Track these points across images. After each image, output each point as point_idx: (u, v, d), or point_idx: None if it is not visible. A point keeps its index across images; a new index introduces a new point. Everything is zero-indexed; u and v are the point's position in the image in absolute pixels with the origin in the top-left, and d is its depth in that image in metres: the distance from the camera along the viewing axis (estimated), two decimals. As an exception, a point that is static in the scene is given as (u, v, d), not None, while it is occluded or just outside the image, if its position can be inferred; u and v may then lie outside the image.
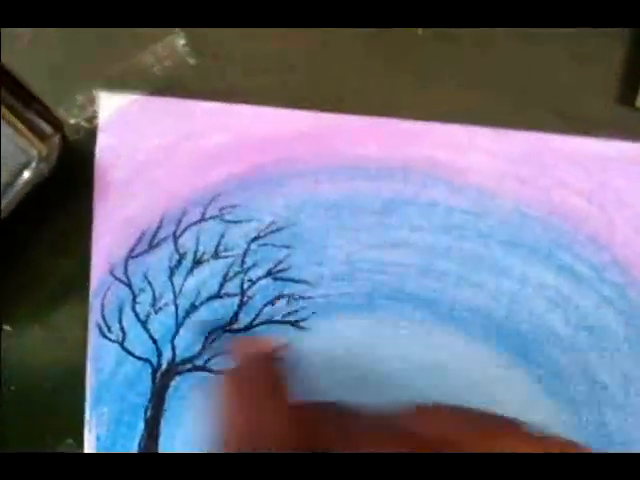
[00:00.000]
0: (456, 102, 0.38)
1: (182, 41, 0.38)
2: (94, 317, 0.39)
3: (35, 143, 0.35)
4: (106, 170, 0.38)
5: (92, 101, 0.38)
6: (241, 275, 0.38)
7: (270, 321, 0.39)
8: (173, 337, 0.39)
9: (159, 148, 0.38)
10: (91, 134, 0.38)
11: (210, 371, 0.39)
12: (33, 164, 0.35)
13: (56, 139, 0.37)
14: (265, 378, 0.32)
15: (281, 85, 0.38)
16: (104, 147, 0.38)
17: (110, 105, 0.38)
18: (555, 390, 0.39)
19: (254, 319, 0.39)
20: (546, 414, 0.39)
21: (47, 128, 0.37)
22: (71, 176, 0.38)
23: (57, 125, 0.37)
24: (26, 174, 0.35)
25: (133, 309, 0.38)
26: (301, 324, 0.39)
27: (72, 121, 0.38)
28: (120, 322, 0.39)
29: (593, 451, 0.39)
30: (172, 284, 0.38)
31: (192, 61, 0.38)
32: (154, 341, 0.39)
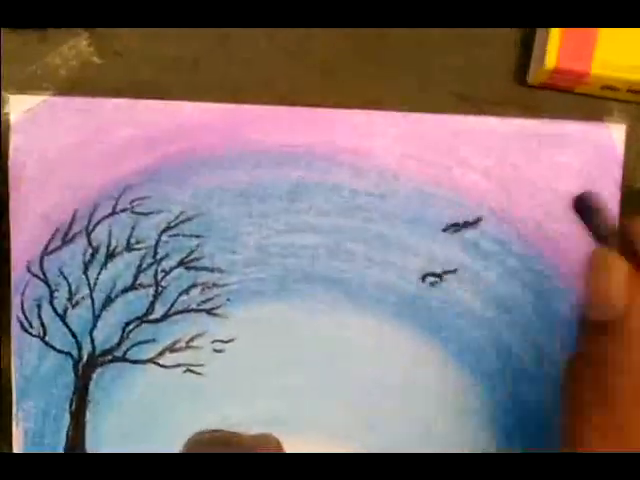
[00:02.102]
0: (355, 88, 0.40)
1: (86, 42, 0.39)
2: (15, 313, 0.39)
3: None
4: (19, 169, 0.39)
5: (2, 103, 0.39)
6: (154, 266, 0.39)
7: (186, 310, 0.40)
8: (92, 330, 0.40)
9: (69, 146, 0.39)
10: (3, 135, 0.39)
11: (129, 361, 0.40)
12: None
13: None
14: None
15: (185, 80, 0.39)
16: (16, 147, 0.39)
17: (20, 106, 0.39)
18: (470, 365, 0.40)
19: (170, 308, 0.40)
20: (462, 389, 0.40)
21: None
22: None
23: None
24: None
25: (51, 304, 0.39)
26: (216, 311, 0.40)
27: (-17, 123, 0.39)
28: (40, 317, 0.39)
29: (510, 425, 0.40)
30: (87, 278, 0.39)
31: (97, 60, 0.39)
32: (73, 335, 0.40)
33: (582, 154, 0.39)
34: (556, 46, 0.37)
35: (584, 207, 0.32)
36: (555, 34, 0.37)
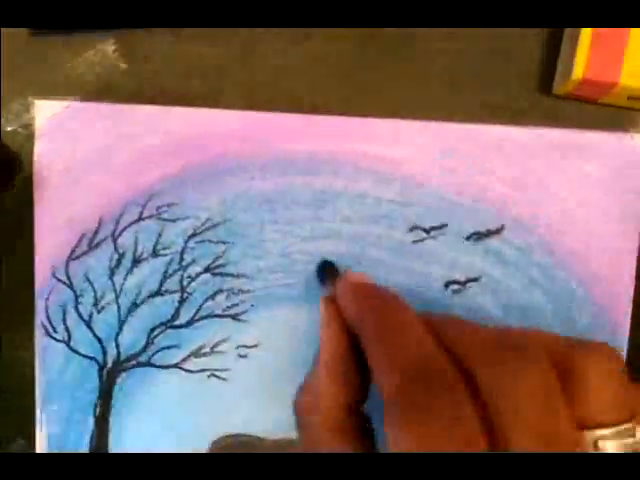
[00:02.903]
0: (382, 96, 0.40)
1: (112, 47, 0.39)
2: (39, 318, 0.40)
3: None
4: (44, 175, 0.39)
5: (28, 108, 0.39)
6: (180, 272, 0.40)
7: (211, 315, 0.40)
8: (117, 335, 0.40)
9: (94, 152, 0.39)
10: (28, 141, 0.39)
11: (154, 366, 0.40)
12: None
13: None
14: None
15: (212, 87, 0.39)
16: (41, 153, 0.39)
17: (45, 112, 0.39)
18: (490, 370, 0.41)
19: (195, 314, 0.40)
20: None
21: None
22: (11, 183, 0.39)
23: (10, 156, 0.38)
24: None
25: (76, 309, 0.40)
26: (241, 317, 0.40)
27: (8, 128, 0.39)
28: (64, 322, 0.40)
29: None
30: (113, 283, 0.39)
31: (123, 66, 0.39)
32: (99, 340, 0.40)
33: (607, 165, 0.40)
34: (584, 57, 0.37)
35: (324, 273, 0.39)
36: (583, 45, 0.37)
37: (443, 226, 0.40)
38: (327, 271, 0.38)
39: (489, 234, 0.40)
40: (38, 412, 0.40)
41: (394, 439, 0.25)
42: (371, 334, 0.29)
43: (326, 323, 0.32)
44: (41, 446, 0.40)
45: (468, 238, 0.40)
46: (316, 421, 0.30)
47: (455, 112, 0.40)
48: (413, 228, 0.40)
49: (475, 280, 0.40)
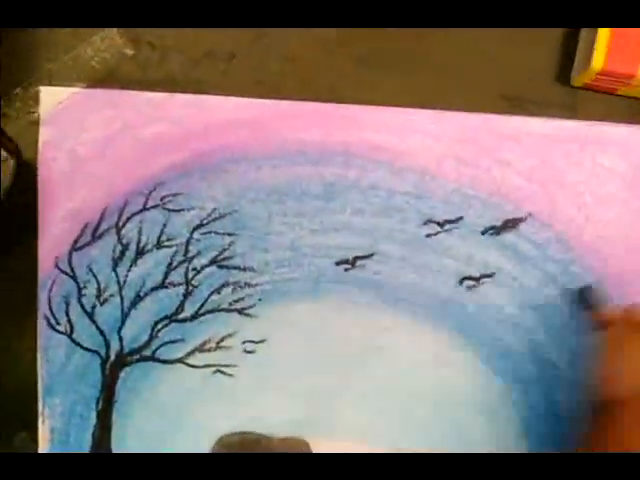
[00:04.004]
0: (396, 86, 0.39)
1: (118, 33, 0.38)
2: (42, 310, 0.39)
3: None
4: (49, 163, 0.38)
5: (33, 95, 0.38)
6: (185, 264, 0.39)
7: (216, 309, 0.39)
8: (120, 328, 0.39)
9: (100, 140, 0.38)
10: (33, 128, 0.38)
11: (158, 361, 0.39)
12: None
13: (11, 163, 0.37)
14: None
15: (219, 74, 0.38)
16: (46, 141, 0.38)
17: (51, 99, 0.38)
18: (504, 370, 0.39)
19: (200, 308, 0.39)
20: (497, 394, 0.39)
21: (2, 153, 0.37)
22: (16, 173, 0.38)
23: (11, 149, 0.37)
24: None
25: (79, 301, 0.39)
26: (248, 311, 0.39)
27: (14, 115, 0.38)
28: (67, 314, 0.39)
29: (543, 428, 0.39)
30: (116, 275, 0.38)
31: (130, 52, 0.38)
32: (101, 332, 0.39)
33: (626, 158, 0.38)
34: (604, 48, 0.36)
35: (586, 298, 0.38)
36: (603, 36, 0.36)
37: (458, 220, 0.39)
38: (591, 296, 0.38)
39: (505, 228, 0.39)
40: (40, 405, 0.39)
41: None
42: None
43: None
44: (43, 439, 0.39)
45: (484, 232, 0.39)
46: None
47: (472, 102, 0.38)
48: (427, 221, 0.39)
49: (490, 276, 0.39)
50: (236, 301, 0.39)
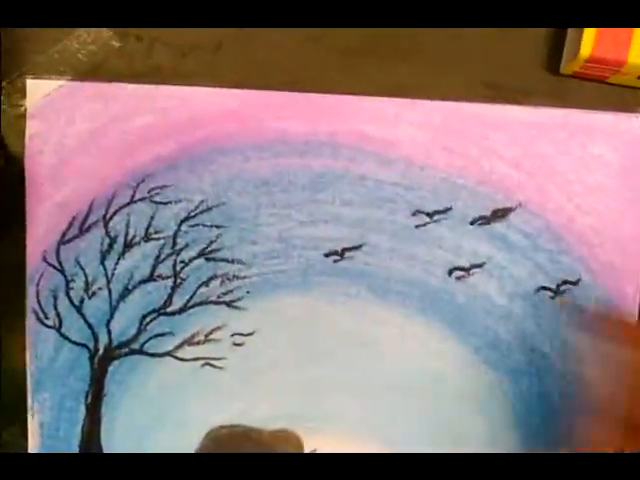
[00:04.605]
0: (383, 76, 0.38)
1: (105, 24, 0.38)
2: (30, 304, 0.39)
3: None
4: (36, 157, 0.38)
5: (20, 88, 0.38)
6: (173, 257, 0.38)
7: (205, 302, 0.39)
8: (108, 322, 0.39)
9: (87, 132, 0.38)
10: (20, 121, 0.38)
11: (147, 354, 0.39)
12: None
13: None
14: None
15: (206, 65, 0.38)
16: (33, 134, 0.38)
17: (38, 92, 0.38)
18: (494, 360, 0.39)
19: (188, 300, 0.39)
20: (487, 385, 0.39)
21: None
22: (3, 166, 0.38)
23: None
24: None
25: (67, 295, 0.38)
26: (236, 304, 0.39)
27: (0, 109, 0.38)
28: (56, 308, 0.39)
29: (534, 420, 0.39)
30: (104, 268, 0.38)
31: (116, 44, 0.38)
32: (90, 326, 0.39)
33: (614, 146, 0.38)
34: (592, 34, 0.35)
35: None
36: (591, 21, 0.35)
37: (447, 210, 0.38)
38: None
39: (494, 218, 0.38)
40: (29, 400, 0.39)
41: None
42: None
43: None
44: (33, 434, 0.39)
45: (472, 222, 0.39)
46: None
47: (459, 91, 0.38)
48: (416, 212, 0.38)
49: (479, 266, 0.39)
50: (225, 293, 0.39)
